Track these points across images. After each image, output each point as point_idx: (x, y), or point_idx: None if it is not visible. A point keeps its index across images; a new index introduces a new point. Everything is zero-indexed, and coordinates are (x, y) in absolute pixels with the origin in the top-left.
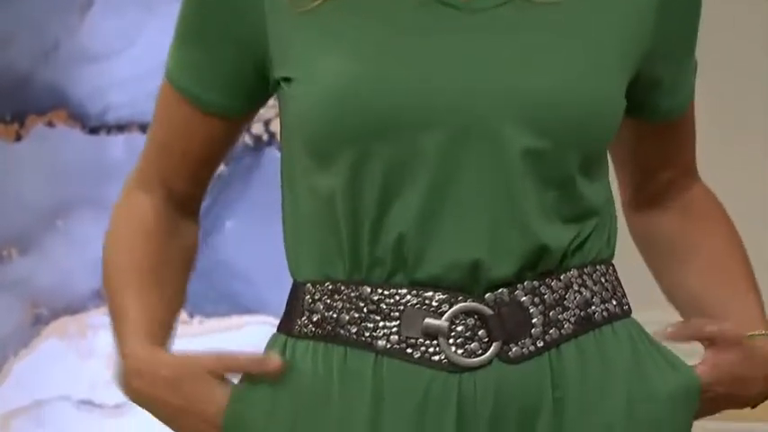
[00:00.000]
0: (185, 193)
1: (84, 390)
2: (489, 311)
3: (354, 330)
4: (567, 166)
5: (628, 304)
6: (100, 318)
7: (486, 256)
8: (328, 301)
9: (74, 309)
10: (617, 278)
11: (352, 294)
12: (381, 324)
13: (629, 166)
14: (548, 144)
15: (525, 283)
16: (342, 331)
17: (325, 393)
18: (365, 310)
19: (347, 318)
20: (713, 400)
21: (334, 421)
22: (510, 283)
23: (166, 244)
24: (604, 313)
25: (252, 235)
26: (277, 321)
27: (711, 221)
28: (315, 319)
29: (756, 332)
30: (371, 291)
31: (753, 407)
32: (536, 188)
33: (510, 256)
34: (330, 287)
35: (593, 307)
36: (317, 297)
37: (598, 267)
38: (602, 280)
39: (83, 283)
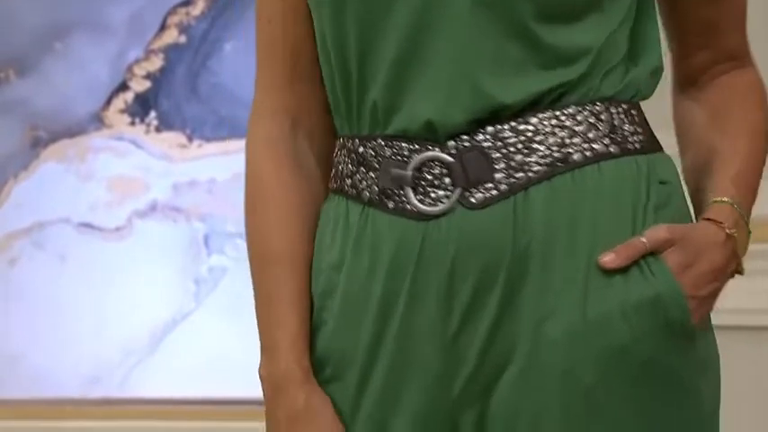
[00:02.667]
0: (308, 113)
1: (83, 212)
2: (450, 159)
3: (350, 183)
4: (520, 16)
5: (641, 142)
6: (99, 141)
7: (439, 115)
8: (339, 155)
9: (73, 132)
10: (628, 115)
11: (349, 147)
12: (367, 175)
13: (672, 38)
14: None
15: (487, 128)
16: (343, 184)
17: (328, 244)
18: (356, 162)
19: (345, 171)
20: (696, 298)
21: (328, 273)
22: (472, 131)
23: (306, 207)
24: (587, 153)
25: (251, 57)
26: None
27: (737, 100)
28: (332, 173)
29: (719, 198)
30: (359, 143)
31: (739, 272)
32: (493, 41)
33: (463, 112)
34: (340, 142)
35: (570, 148)
36: (336, 152)
37: (588, 107)
38: (591, 120)
39: (82, 106)
